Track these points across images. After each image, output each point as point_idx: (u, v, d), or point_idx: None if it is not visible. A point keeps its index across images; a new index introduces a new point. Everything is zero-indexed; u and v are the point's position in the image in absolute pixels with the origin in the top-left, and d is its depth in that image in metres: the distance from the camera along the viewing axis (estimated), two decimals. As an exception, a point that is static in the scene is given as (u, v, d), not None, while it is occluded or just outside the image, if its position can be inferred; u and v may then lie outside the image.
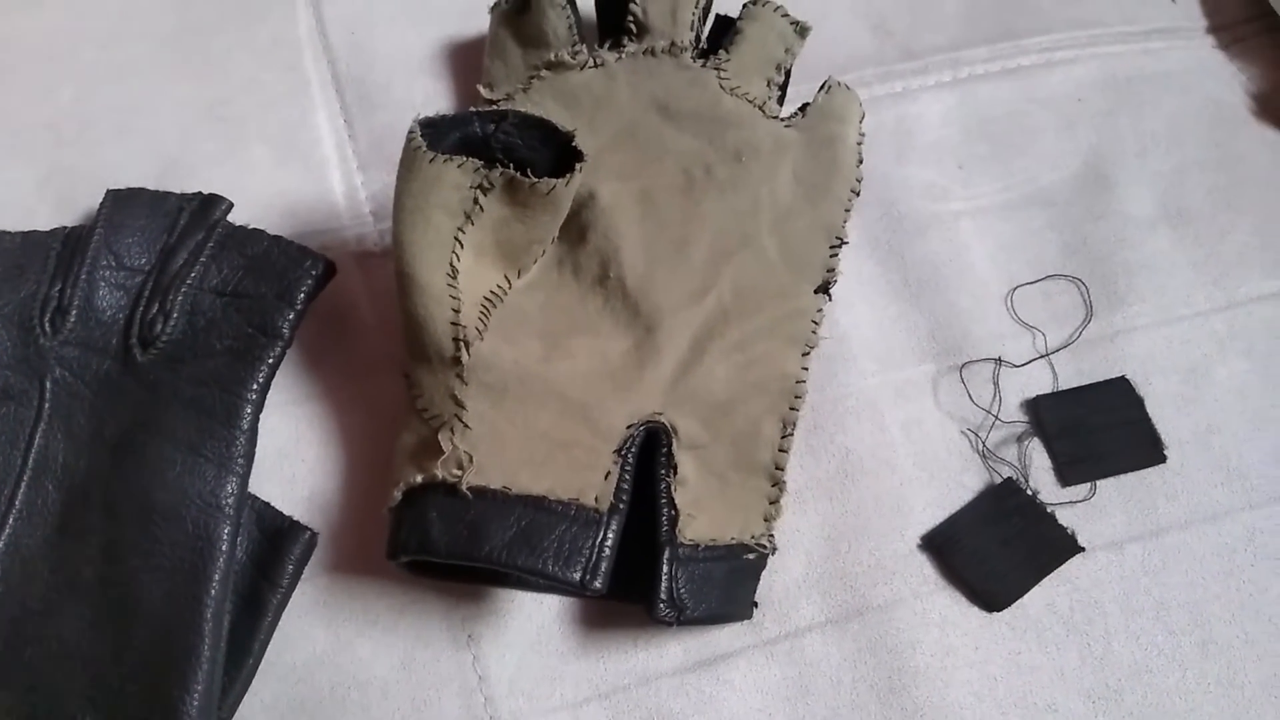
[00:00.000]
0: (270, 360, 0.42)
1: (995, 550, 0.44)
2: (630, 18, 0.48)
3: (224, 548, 0.39)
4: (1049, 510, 0.44)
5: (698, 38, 0.49)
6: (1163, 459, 0.46)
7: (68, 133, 0.52)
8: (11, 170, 0.51)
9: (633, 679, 0.42)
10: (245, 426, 0.41)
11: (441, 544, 0.38)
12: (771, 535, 0.42)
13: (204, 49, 0.54)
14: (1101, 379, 0.47)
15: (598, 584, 0.37)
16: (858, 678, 0.42)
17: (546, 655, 0.42)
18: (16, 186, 0.50)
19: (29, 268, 0.45)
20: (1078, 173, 0.52)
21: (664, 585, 0.39)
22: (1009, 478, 0.45)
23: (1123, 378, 0.47)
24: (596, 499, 0.38)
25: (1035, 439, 0.46)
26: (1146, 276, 0.49)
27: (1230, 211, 0.51)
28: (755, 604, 0.42)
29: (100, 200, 0.46)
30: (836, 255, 0.46)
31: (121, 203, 0.46)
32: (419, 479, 0.39)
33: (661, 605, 0.38)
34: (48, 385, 0.43)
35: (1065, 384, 0.47)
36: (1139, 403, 0.46)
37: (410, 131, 0.40)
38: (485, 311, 0.41)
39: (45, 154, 0.51)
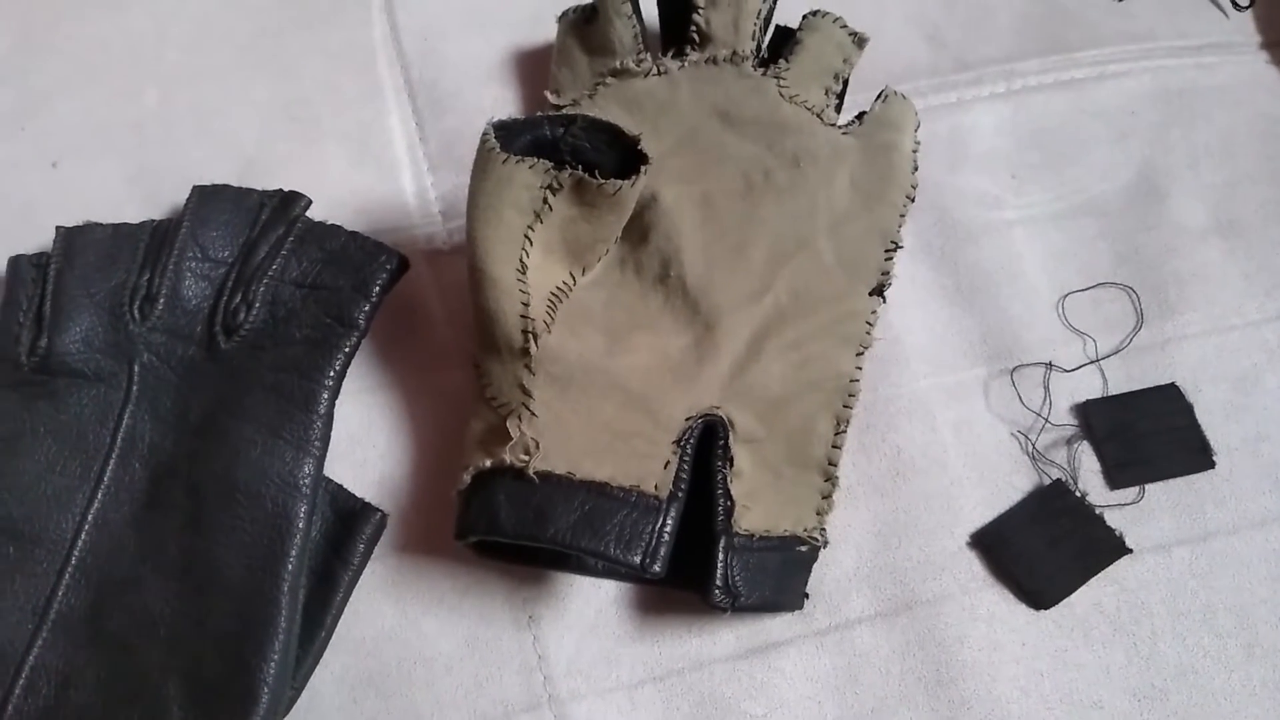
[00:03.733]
0: (346, 349, 0.44)
1: (1043, 549, 0.44)
2: (693, 28, 0.50)
3: (300, 525, 0.41)
4: (1097, 512, 0.45)
5: (758, 47, 0.51)
6: (1211, 465, 0.46)
7: (152, 133, 0.54)
8: (101, 167, 0.53)
9: (687, 663, 0.43)
10: (322, 411, 0.43)
11: (509, 525, 0.39)
12: (823, 529, 0.44)
13: (282, 54, 0.56)
14: (1151, 385, 0.48)
15: (657, 567, 0.39)
16: (906, 669, 0.43)
17: (604, 638, 0.43)
18: (105, 183, 0.53)
19: (119, 258, 0.47)
20: (1130, 183, 0.53)
21: (719, 572, 0.40)
22: (1058, 479, 0.46)
23: (1172, 384, 0.48)
24: (656, 487, 0.40)
25: (1084, 442, 0.47)
26: (1197, 286, 0.50)
27: (1282, 224, 0.52)
28: (806, 595, 0.43)
29: (186, 196, 0.48)
30: (891, 259, 0.47)
31: (207, 198, 0.48)
32: (487, 463, 0.40)
33: (717, 591, 0.40)
34: (136, 369, 0.45)
35: (1115, 389, 0.48)
36: (1188, 409, 0.47)
37: (484, 133, 0.42)
38: (552, 306, 0.43)
39: (132, 152, 0.54)
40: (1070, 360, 0.48)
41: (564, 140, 0.43)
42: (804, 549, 0.43)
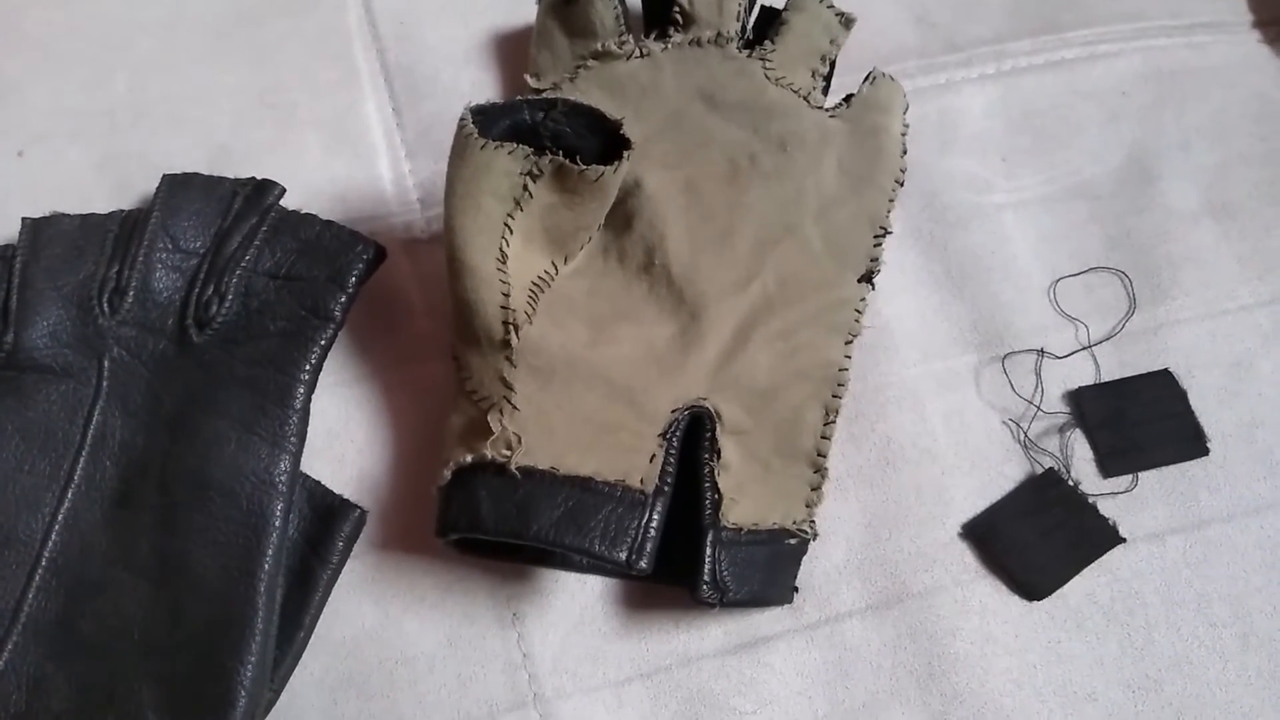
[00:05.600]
0: (322, 342, 0.43)
1: (1036, 540, 0.44)
2: (676, 8, 0.49)
3: (277, 523, 0.40)
4: (1090, 501, 0.44)
5: (743, 28, 0.50)
6: (1205, 452, 0.46)
7: (123, 119, 0.53)
8: (69, 155, 0.52)
9: (674, 660, 0.42)
10: (298, 406, 0.42)
11: (490, 522, 0.38)
12: (813, 521, 0.43)
13: (255, 39, 0.55)
14: (1144, 371, 0.47)
15: (643, 564, 0.38)
16: (897, 663, 0.42)
17: (589, 635, 0.43)
18: (74, 170, 0.51)
19: (88, 249, 0.46)
20: (1121, 166, 0.52)
21: (707, 567, 0.39)
22: (1050, 468, 0.45)
23: (1165, 370, 0.47)
24: (642, 481, 0.39)
25: (1077, 430, 0.46)
26: (1190, 270, 0.49)
27: (1275, 206, 0.51)
28: (796, 588, 0.43)
29: (156, 185, 0.47)
30: (880, 245, 0.46)
31: (177, 187, 0.47)
32: (468, 459, 0.39)
33: (705, 586, 0.39)
34: (105, 364, 0.44)
35: (1108, 376, 0.47)
36: (1182, 395, 0.46)
37: (462, 118, 0.41)
38: (533, 296, 0.42)
39: (102, 140, 0.52)
40: (1062, 346, 0.47)
41: (544, 125, 0.42)
42: (793, 542, 0.42)
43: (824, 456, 0.43)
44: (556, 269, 0.43)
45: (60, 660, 0.39)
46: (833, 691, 0.42)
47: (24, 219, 0.46)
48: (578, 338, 0.42)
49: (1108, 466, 0.45)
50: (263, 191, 0.46)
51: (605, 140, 0.42)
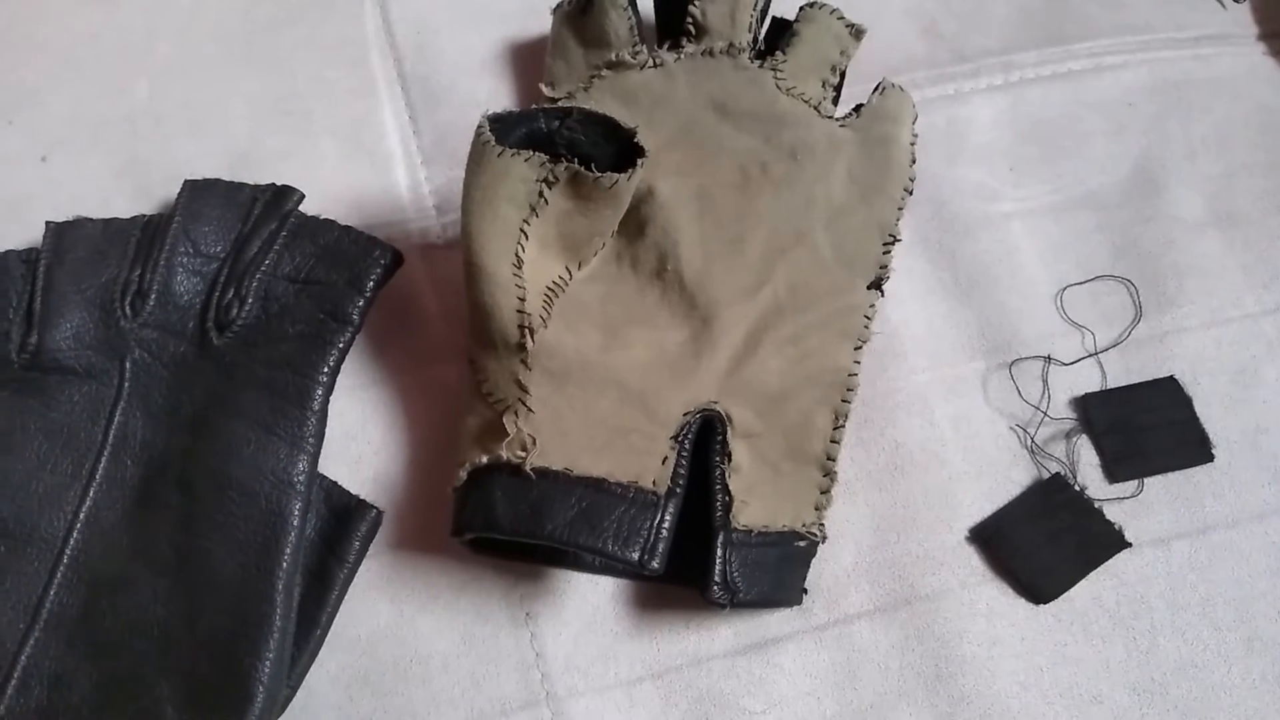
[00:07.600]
0: (341, 345, 0.44)
1: (1043, 544, 0.44)
2: (689, 19, 0.50)
3: (295, 523, 0.41)
4: (1096, 506, 0.45)
5: (755, 39, 0.50)
6: (1210, 458, 0.46)
7: (143, 126, 0.54)
8: (91, 161, 0.53)
9: (685, 660, 0.43)
10: (316, 407, 0.43)
11: (506, 522, 0.39)
12: (822, 524, 0.43)
13: (273, 47, 0.56)
14: (1150, 378, 0.47)
15: (655, 564, 0.38)
16: (905, 665, 0.43)
17: (601, 635, 0.43)
18: (95, 177, 0.52)
19: (110, 253, 0.46)
20: (1127, 176, 0.52)
21: (718, 568, 0.40)
22: (1057, 473, 0.46)
23: (1171, 377, 0.47)
24: (654, 483, 0.40)
25: (1083, 436, 0.46)
26: (1196, 278, 0.50)
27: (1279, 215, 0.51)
28: (805, 590, 0.43)
29: (176, 190, 0.48)
30: (889, 253, 0.47)
31: (198, 192, 0.48)
32: (484, 460, 0.40)
33: (715, 587, 0.39)
34: (127, 365, 0.44)
35: (1114, 383, 0.47)
36: (1187, 402, 0.47)
37: (479, 126, 0.42)
38: (548, 301, 0.42)
39: (122, 146, 0.53)
40: (1069, 353, 0.48)
41: (559, 133, 0.43)
42: (802, 544, 0.43)
43: (833, 460, 0.44)
44: (571, 274, 0.44)
45: (81, 656, 0.40)
46: (841, 692, 0.42)
47: (48, 223, 0.47)
48: (591, 342, 0.42)
49: (1114, 472, 0.46)
50: (282, 197, 0.47)
51: (619, 148, 0.43)
